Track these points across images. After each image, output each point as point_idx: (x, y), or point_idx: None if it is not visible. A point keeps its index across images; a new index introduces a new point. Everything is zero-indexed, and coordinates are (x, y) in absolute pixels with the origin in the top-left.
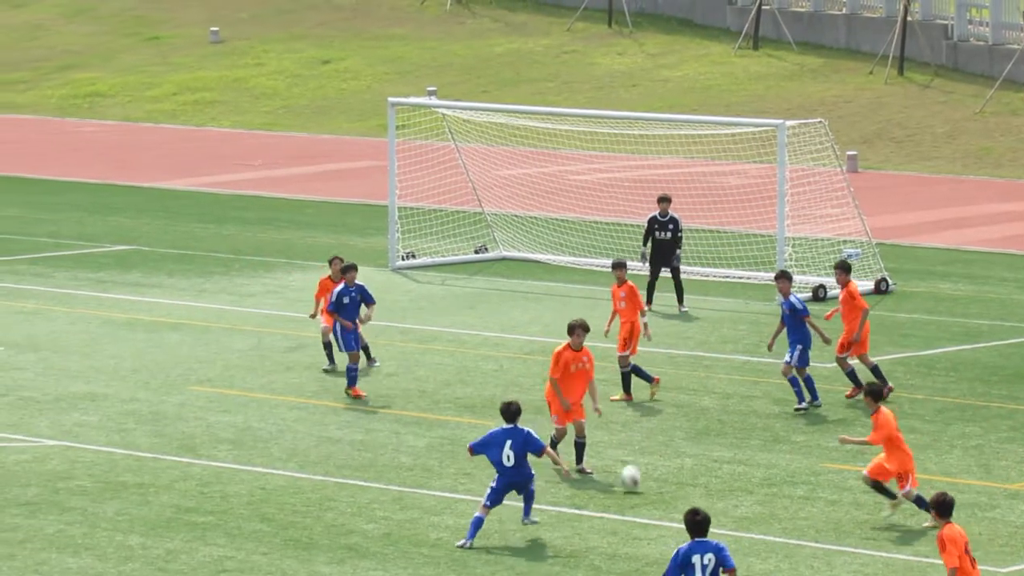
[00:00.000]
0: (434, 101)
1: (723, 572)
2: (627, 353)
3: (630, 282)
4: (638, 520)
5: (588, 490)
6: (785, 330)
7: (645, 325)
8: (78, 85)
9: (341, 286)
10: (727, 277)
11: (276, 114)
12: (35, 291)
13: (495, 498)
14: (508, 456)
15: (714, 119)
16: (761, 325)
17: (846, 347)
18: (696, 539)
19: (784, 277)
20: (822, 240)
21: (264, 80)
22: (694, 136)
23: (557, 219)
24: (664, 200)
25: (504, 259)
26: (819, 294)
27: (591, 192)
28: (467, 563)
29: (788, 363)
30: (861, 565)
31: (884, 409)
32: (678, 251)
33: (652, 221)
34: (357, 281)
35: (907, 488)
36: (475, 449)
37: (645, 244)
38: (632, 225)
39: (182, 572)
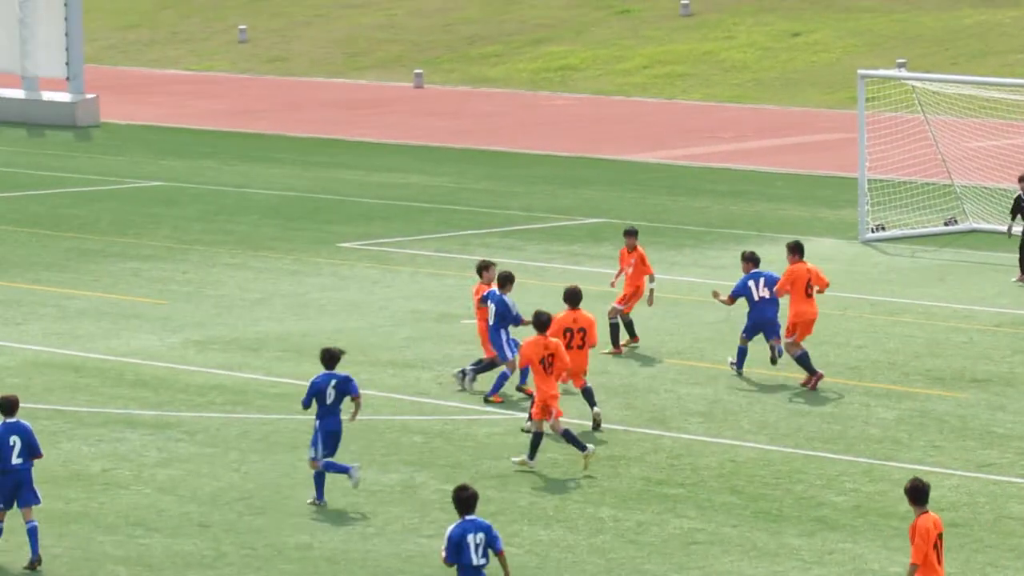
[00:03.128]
0: (904, 73)
1: (492, 552)
2: (621, 307)
3: (640, 248)
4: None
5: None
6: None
7: (651, 291)
8: (550, 59)
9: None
10: None
11: (745, 87)
12: (507, 264)
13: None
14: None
15: None
16: None
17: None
18: (466, 517)
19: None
20: None
21: (734, 53)
22: None
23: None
24: None
25: (974, 231)
26: None
27: None
28: None
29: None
30: None
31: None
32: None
33: (1018, 201)
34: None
35: None
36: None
37: (1013, 219)
38: None
39: (652, 544)
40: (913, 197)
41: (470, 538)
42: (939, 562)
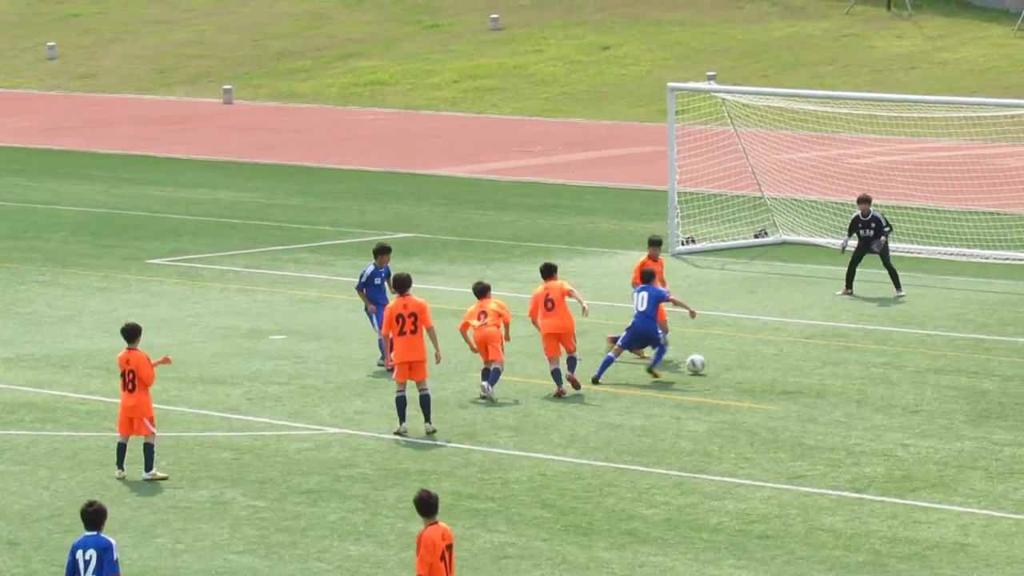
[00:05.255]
0: (713, 86)
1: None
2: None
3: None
4: (918, 503)
5: (867, 473)
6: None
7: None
8: (359, 73)
9: (372, 267)
10: (1007, 259)
11: (555, 100)
12: (317, 279)
13: None
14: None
15: (994, 101)
16: None
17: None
18: (87, 532)
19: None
20: None
21: (544, 67)
22: (973, 118)
23: (837, 203)
24: (864, 201)
25: (784, 243)
26: None
27: (871, 175)
28: (747, 548)
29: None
30: None
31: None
32: (880, 240)
33: (855, 220)
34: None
35: None
36: None
37: (850, 236)
38: (912, 208)
39: (463, 559)
40: (723, 210)
41: (79, 554)
42: (450, 571)
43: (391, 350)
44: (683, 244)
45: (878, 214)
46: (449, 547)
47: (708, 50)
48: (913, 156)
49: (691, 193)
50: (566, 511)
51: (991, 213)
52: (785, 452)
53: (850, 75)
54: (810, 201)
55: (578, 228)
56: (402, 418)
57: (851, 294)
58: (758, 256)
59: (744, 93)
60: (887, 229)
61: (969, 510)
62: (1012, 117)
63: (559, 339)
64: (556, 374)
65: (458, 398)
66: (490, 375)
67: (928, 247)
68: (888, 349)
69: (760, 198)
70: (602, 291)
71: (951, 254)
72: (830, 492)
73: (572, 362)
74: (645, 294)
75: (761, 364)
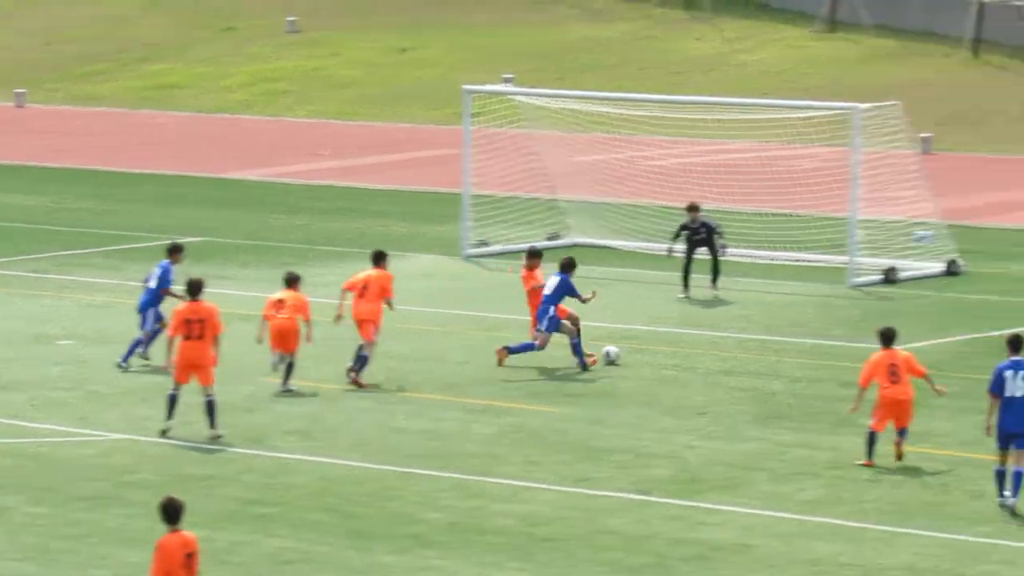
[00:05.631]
0: (508, 88)
1: None
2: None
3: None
4: (703, 505)
5: (653, 475)
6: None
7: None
8: (154, 77)
9: (168, 264)
10: (798, 260)
11: (352, 103)
12: (107, 284)
13: None
14: None
15: (789, 103)
16: (831, 308)
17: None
18: None
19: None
20: (894, 222)
21: (341, 69)
22: (769, 120)
23: (631, 205)
24: (693, 208)
25: (577, 245)
26: (890, 276)
27: (666, 177)
28: (529, 551)
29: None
30: (923, 547)
31: None
32: (722, 242)
33: (683, 227)
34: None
35: None
36: None
37: (675, 240)
38: (705, 210)
39: (244, 564)
40: (517, 212)
41: None
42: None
43: (171, 352)
44: (476, 247)
45: (708, 220)
46: (190, 555)
47: (506, 52)
48: (708, 158)
49: (485, 196)
50: (349, 516)
51: (784, 215)
52: (572, 454)
53: (647, 77)
54: (604, 203)
55: (370, 231)
56: (169, 415)
57: (689, 296)
58: (551, 259)
59: (539, 95)
60: (720, 231)
61: (753, 511)
62: (806, 119)
63: (362, 324)
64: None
65: (246, 402)
66: (287, 371)
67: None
68: (679, 351)
69: (554, 200)
70: (397, 294)
71: (742, 256)
72: (615, 494)
73: (361, 361)
74: (556, 280)
75: (552, 366)
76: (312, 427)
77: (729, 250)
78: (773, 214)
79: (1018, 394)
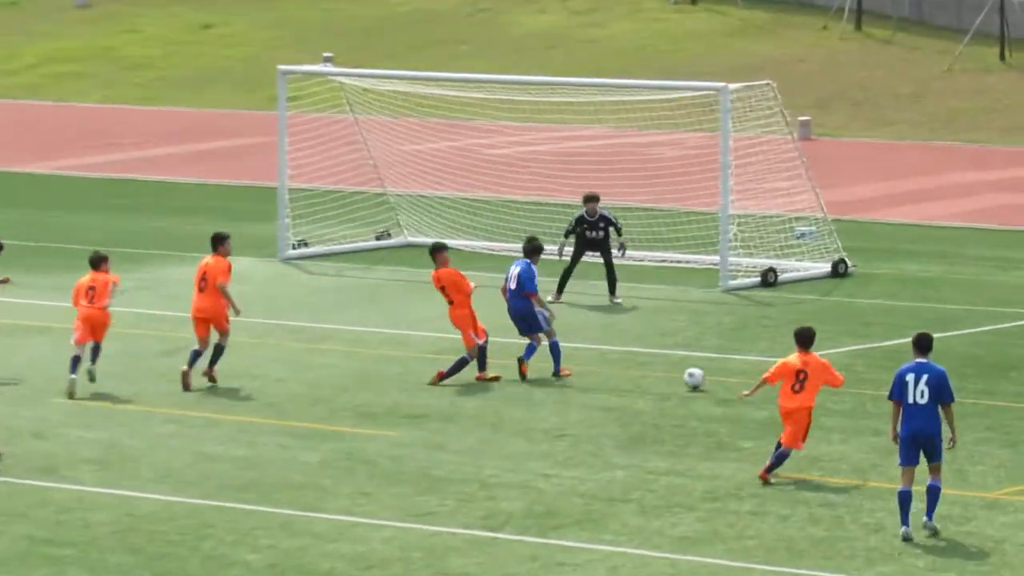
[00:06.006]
0: (329, 69)
1: None
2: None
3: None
4: (562, 542)
5: (504, 509)
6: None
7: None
8: None
9: None
10: (663, 261)
11: (152, 86)
12: None
13: None
14: None
15: (648, 83)
16: (703, 315)
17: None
18: None
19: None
20: (771, 217)
21: (137, 49)
22: (625, 103)
23: (470, 199)
24: (591, 199)
25: (409, 246)
26: (769, 279)
27: (508, 168)
28: None
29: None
30: None
31: None
32: (622, 242)
33: (579, 220)
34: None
35: None
36: None
37: (566, 237)
38: (555, 205)
39: None
40: (341, 208)
41: None
42: None
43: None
44: (295, 248)
45: (607, 213)
46: None
47: (325, 29)
48: (556, 146)
49: (304, 190)
50: (157, 556)
51: (645, 209)
52: (410, 485)
53: (486, 55)
54: (439, 198)
55: (175, 230)
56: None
57: (561, 301)
58: (380, 261)
59: (364, 76)
60: (620, 228)
61: (620, 549)
62: (668, 101)
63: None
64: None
65: (36, 426)
66: (93, 358)
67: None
68: (533, 364)
69: (382, 195)
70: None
71: (599, 257)
72: (461, 531)
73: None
74: (518, 269)
75: (383, 384)
76: (111, 455)
77: (626, 252)
78: (634, 208)
79: (921, 401)
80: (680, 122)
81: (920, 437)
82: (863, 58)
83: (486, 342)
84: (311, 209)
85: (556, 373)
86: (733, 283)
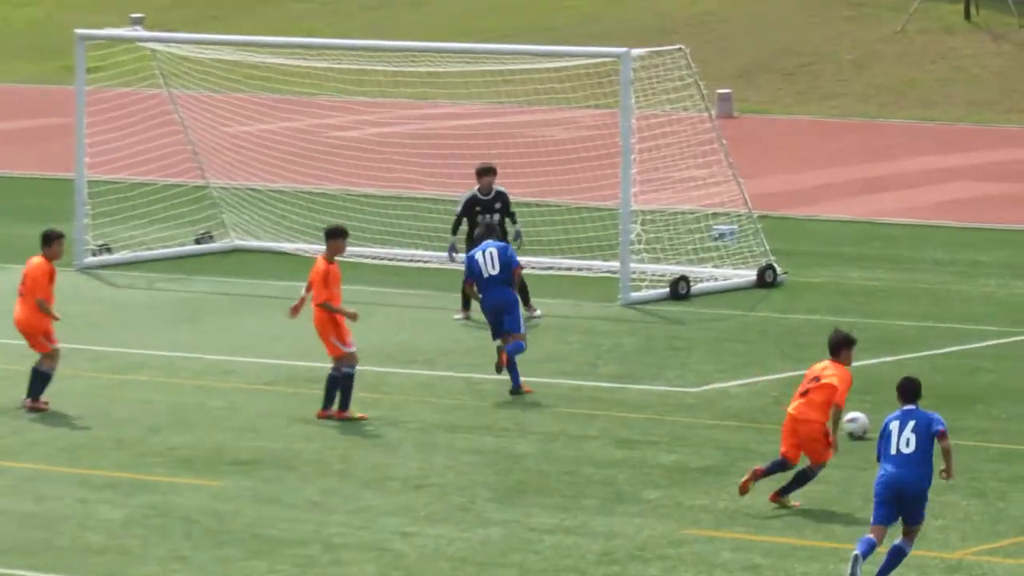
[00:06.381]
0: (138, 33)
1: None
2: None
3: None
4: None
5: (353, 575)
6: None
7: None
8: None
9: None
10: (550, 269)
11: None
12: None
13: None
14: None
15: (532, 49)
16: (599, 335)
17: None
18: None
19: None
20: (683, 214)
21: None
22: (504, 73)
23: (312, 192)
24: (487, 172)
25: (236, 250)
26: (680, 290)
27: (359, 154)
28: None
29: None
30: None
31: None
32: (517, 227)
33: (471, 202)
34: None
35: None
36: None
37: (455, 232)
38: (417, 199)
39: None
40: (153, 205)
41: None
42: None
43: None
44: (95, 254)
45: (504, 191)
46: None
47: None
48: (418, 126)
49: (108, 182)
50: None
51: (529, 204)
52: (236, 547)
53: (335, 16)
54: (274, 191)
55: None
56: None
57: (470, 317)
58: (201, 270)
59: (181, 42)
60: (514, 214)
61: None
62: (557, 70)
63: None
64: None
65: None
66: None
67: (428, 252)
68: (382, 398)
69: (204, 188)
70: None
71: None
72: None
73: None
74: (494, 250)
75: (204, 423)
76: None
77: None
78: (519, 203)
79: (906, 450)
80: (571, 97)
81: (902, 491)
82: (797, 17)
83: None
84: (116, 206)
85: (516, 389)
86: (636, 295)
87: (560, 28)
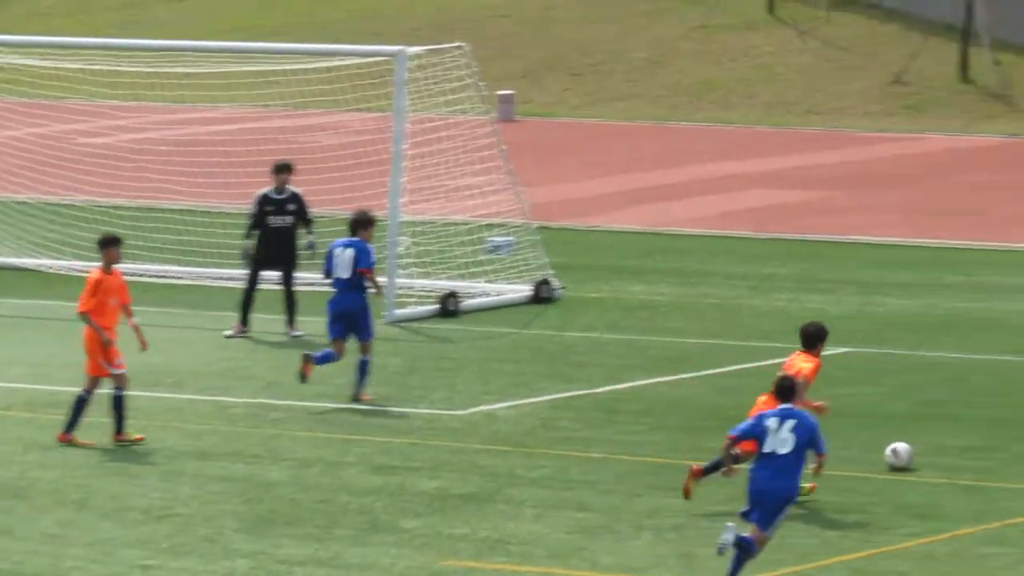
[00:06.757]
0: None
1: None
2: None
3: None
4: None
5: None
6: None
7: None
8: None
9: None
10: (311, 285)
11: None
12: None
13: None
14: None
15: (300, 47)
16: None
17: None
18: None
19: None
20: (456, 225)
21: None
22: (269, 74)
23: (59, 205)
24: (282, 169)
25: None
26: (449, 306)
27: (110, 162)
28: None
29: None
30: None
31: None
32: (310, 238)
33: (263, 201)
34: None
35: None
36: None
37: (249, 235)
38: (172, 211)
39: None
40: None
41: None
42: None
43: None
44: None
45: (299, 192)
46: None
47: None
48: (176, 131)
49: None
50: None
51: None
52: None
53: (86, 10)
54: (17, 203)
55: None
56: None
57: (247, 333)
58: None
59: None
60: (311, 219)
61: None
62: (327, 70)
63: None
64: None
65: None
66: None
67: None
68: (128, 424)
69: None
70: None
71: (219, 278)
72: None
73: None
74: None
75: None
76: None
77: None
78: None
79: (781, 451)
80: (341, 99)
81: (771, 497)
82: (586, 12)
83: (90, 394)
84: None
85: (357, 397)
86: (401, 312)
87: (332, 25)
